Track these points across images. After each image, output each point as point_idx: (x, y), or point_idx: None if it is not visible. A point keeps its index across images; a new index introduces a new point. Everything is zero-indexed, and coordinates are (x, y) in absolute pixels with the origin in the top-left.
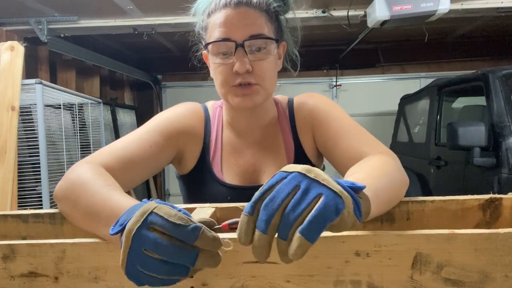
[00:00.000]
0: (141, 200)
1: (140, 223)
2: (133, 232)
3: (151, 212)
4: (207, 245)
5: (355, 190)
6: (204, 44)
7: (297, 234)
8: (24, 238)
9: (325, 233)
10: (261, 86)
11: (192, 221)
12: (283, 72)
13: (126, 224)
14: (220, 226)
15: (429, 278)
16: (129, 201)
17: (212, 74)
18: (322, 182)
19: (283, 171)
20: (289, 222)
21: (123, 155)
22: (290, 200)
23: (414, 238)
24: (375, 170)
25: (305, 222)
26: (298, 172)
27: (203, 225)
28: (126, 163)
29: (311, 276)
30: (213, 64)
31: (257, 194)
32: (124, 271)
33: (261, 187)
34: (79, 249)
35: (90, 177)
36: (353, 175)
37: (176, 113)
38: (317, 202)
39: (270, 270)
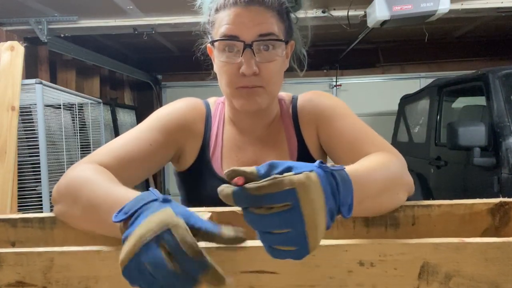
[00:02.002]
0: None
1: (153, 236)
2: (145, 242)
3: (168, 230)
4: (211, 282)
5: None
6: (210, 40)
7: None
8: (13, 243)
9: (327, 241)
10: (266, 89)
11: (203, 256)
12: (288, 72)
13: (131, 214)
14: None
15: None
16: (133, 194)
17: (215, 69)
18: (308, 239)
19: (296, 194)
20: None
21: (122, 154)
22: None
23: (421, 247)
24: (372, 164)
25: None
26: (303, 219)
27: (212, 264)
28: (126, 162)
29: (312, 287)
30: (219, 61)
31: (255, 200)
32: (122, 270)
33: (263, 195)
34: (68, 258)
35: (91, 174)
36: (357, 170)
37: (176, 108)
38: (289, 248)
39: (269, 280)
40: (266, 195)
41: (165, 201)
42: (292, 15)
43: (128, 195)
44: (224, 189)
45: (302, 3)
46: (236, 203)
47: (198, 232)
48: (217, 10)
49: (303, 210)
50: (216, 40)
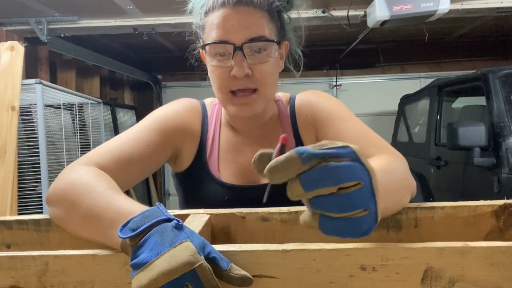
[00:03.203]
0: (141, 202)
1: (179, 275)
2: (169, 281)
3: (193, 270)
4: None
5: None
6: (201, 44)
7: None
8: (8, 246)
9: (328, 245)
10: (260, 92)
11: None
12: (285, 72)
13: (140, 232)
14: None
15: None
16: (137, 206)
17: (209, 74)
18: (376, 198)
19: (354, 151)
20: (329, 208)
21: (120, 155)
22: (345, 188)
23: (425, 252)
24: (377, 167)
25: (338, 220)
26: (367, 171)
27: None
28: (123, 163)
29: None
30: (210, 66)
31: (322, 151)
32: None
33: (327, 147)
34: (63, 262)
35: (92, 179)
36: None
37: (173, 109)
38: (361, 213)
39: (269, 284)
40: (327, 150)
41: (178, 227)
42: (285, 16)
43: (132, 207)
44: (279, 157)
45: (294, 3)
46: (302, 159)
47: (212, 262)
48: (206, 13)
49: (363, 162)
50: (206, 45)
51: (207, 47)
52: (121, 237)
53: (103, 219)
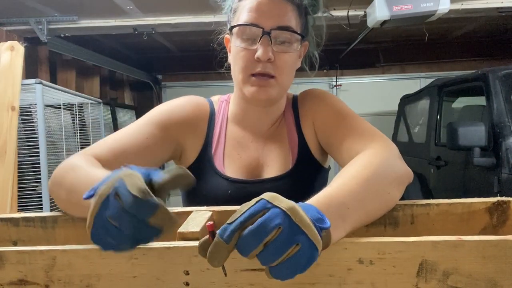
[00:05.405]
0: None
1: (110, 190)
2: (103, 198)
3: (121, 179)
4: (162, 223)
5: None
6: (230, 26)
7: (267, 271)
8: (15, 243)
9: None
10: (277, 80)
11: (151, 197)
12: (296, 72)
13: (97, 187)
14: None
15: (435, 286)
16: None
17: (230, 59)
18: (303, 229)
19: (267, 201)
20: (266, 261)
21: (116, 147)
22: (271, 238)
23: (420, 245)
24: (353, 183)
25: (278, 266)
26: (283, 211)
27: (161, 203)
28: (119, 154)
29: (312, 285)
30: (236, 47)
31: (237, 221)
32: (90, 235)
33: (241, 213)
34: (70, 256)
35: (78, 161)
36: (326, 190)
37: (176, 104)
38: (294, 250)
39: (270, 279)
40: (241, 217)
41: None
42: (310, 17)
43: (104, 175)
44: (209, 248)
45: (321, 6)
46: (225, 241)
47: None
48: None
49: (279, 206)
50: (236, 26)
51: (235, 29)
52: (84, 198)
53: (81, 190)
